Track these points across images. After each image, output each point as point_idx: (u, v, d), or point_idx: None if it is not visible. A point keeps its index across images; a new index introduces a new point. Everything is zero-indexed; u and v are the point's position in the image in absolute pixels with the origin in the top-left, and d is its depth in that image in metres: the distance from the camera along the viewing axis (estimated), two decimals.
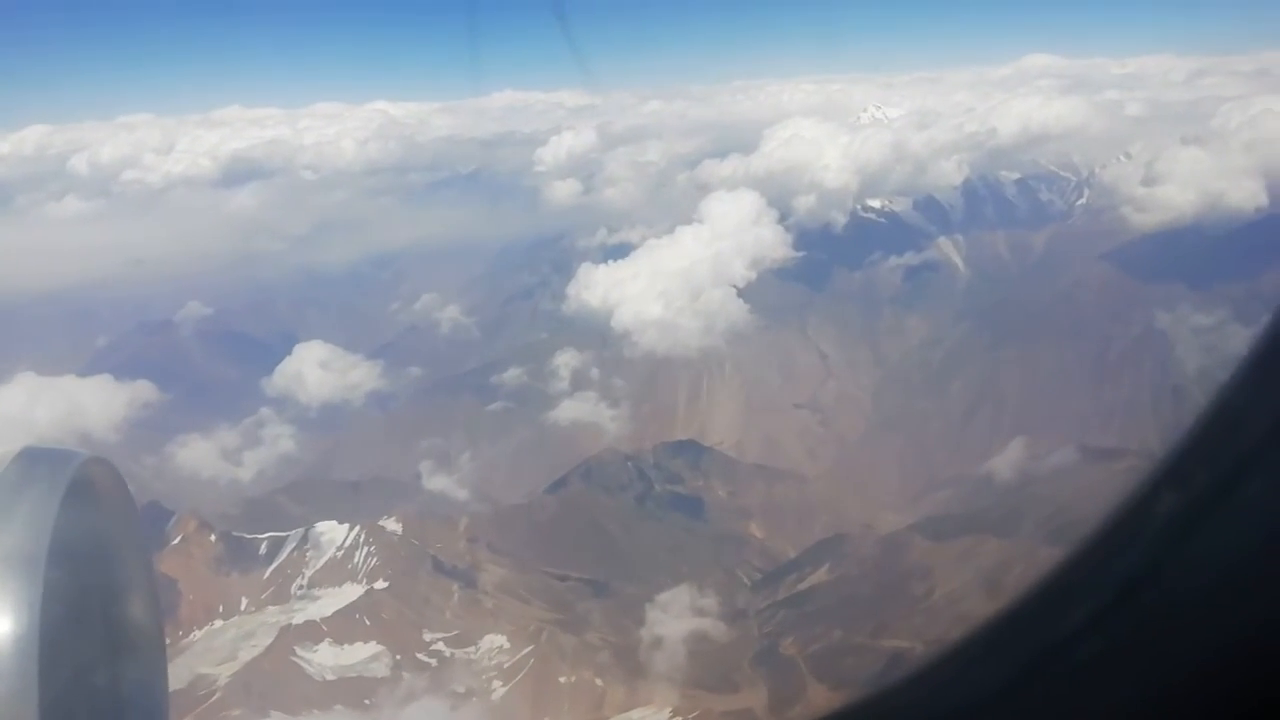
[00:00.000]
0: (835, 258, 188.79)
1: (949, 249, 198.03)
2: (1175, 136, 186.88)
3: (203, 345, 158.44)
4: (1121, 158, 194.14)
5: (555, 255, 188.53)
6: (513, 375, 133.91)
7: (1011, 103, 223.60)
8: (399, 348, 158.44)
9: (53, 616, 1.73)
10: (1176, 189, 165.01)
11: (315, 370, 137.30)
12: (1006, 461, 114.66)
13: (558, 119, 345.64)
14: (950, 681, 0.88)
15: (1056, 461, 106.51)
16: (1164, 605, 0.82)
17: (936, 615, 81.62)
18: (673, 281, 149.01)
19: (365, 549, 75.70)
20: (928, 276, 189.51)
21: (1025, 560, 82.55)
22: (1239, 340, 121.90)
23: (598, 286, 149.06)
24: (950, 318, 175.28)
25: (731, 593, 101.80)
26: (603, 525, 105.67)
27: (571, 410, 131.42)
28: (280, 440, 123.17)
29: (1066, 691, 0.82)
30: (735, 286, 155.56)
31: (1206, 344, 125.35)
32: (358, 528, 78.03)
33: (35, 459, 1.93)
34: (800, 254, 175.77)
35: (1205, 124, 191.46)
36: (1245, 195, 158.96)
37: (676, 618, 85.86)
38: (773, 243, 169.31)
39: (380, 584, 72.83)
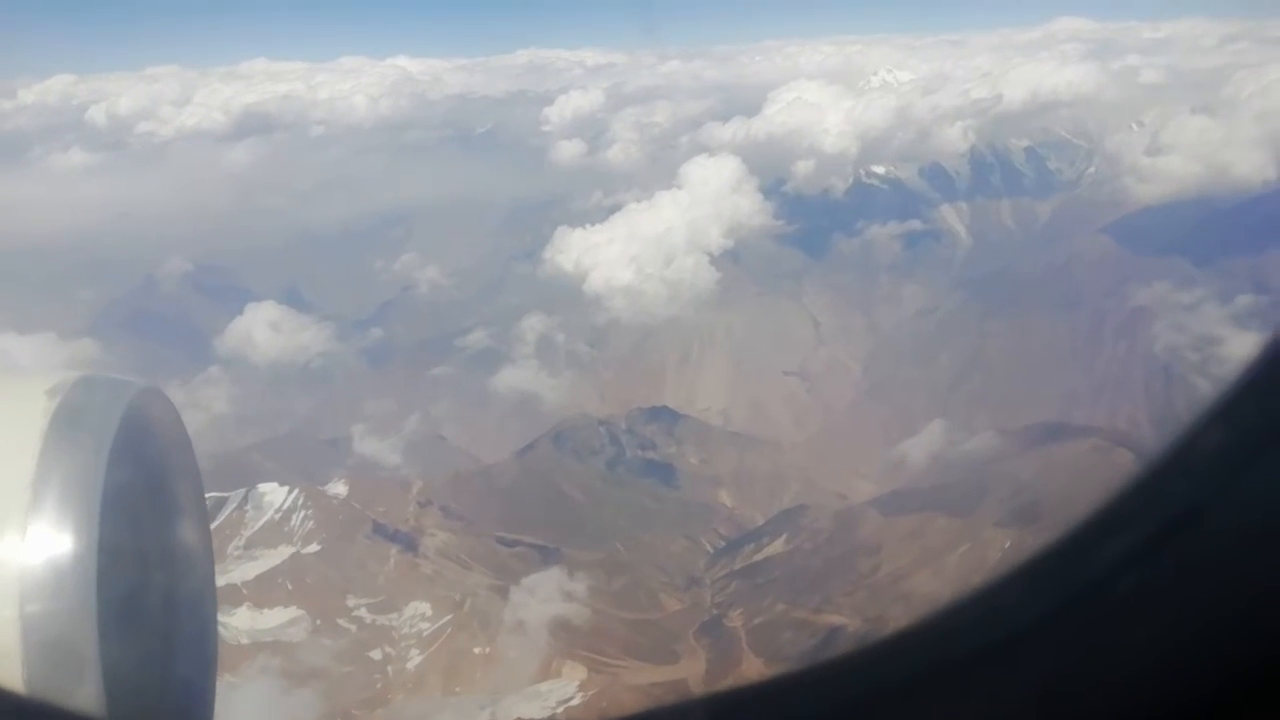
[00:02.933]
0: (835, 224, 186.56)
1: (952, 217, 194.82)
2: (1188, 105, 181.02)
3: (176, 302, 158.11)
4: (1133, 126, 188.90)
5: (553, 217, 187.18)
6: (476, 339, 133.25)
7: (1022, 68, 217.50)
8: (370, 308, 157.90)
9: (110, 538, 1.79)
10: (1181, 160, 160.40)
11: (265, 331, 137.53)
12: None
13: (573, 78, 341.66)
14: (990, 614, 0.87)
15: (1024, 439, 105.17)
16: (1209, 543, 0.81)
17: (879, 593, 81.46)
18: (647, 247, 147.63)
19: (303, 512, 76.53)
20: (929, 245, 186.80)
21: (968, 540, 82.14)
22: (1216, 320, 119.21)
23: (572, 251, 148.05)
24: (947, 287, 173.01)
25: (692, 560, 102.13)
26: (566, 491, 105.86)
27: (532, 376, 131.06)
28: (222, 400, 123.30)
29: (1104, 626, 0.81)
30: (709, 254, 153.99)
31: (1184, 323, 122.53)
32: (297, 490, 78.92)
33: (93, 386, 1.98)
34: (781, 221, 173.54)
35: (1220, 92, 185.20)
36: (1253, 167, 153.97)
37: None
38: (751, 211, 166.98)
39: (312, 547, 73.66)
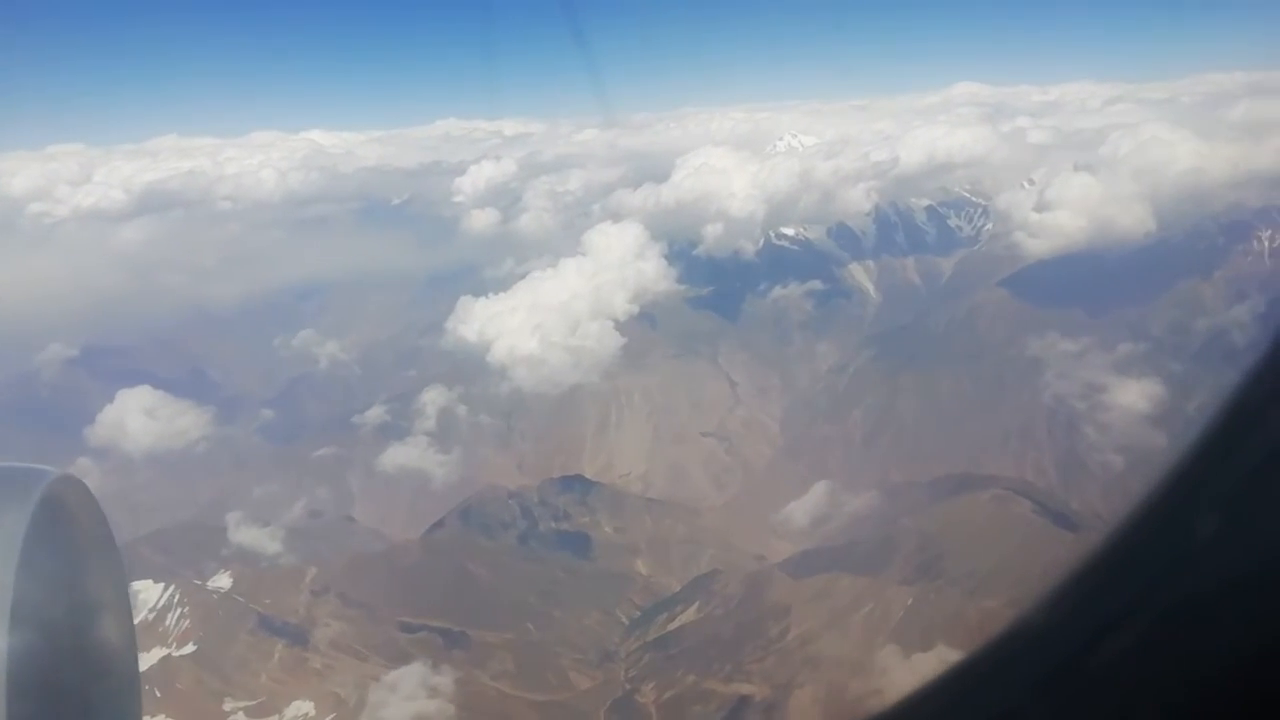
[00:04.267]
0: (747, 285, 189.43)
1: (861, 275, 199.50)
2: (1071, 163, 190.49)
3: (56, 390, 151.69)
4: (1025, 184, 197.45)
5: (465, 287, 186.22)
6: (375, 415, 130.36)
7: (918, 132, 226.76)
8: (271, 387, 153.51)
9: (22, 638, 1.67)
10: (1068, 215, 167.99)
11: (139, 418, 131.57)
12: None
13: (489, 148, 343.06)
14: (962, 699, 0.85)
15: (931, 491, 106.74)
16: (1178, 611, 0.80)
17: (787, 658, 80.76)
18: (550, 315, 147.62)
19: (178, 610, 72.43)
20: (839, 303, 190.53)
21: (872, 599, 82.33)
22: (1100, 368, 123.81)
23: (475, 321, 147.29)
24: (858, 343, 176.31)
25: (607, 634, 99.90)
26: (473, 570, 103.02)
27: (431, 452, 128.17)
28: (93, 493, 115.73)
29: (1080, 705, 0.79)
30: (614, 320, 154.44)
31: (1072, 372, 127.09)
32: (173, 586, 74.77)
33: (1, 478, 1.87)
34: (685, 286, 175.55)
35: (1099, 151, 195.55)
36: (1134, 221, 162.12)
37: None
38: (655, 276, 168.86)
39: (187, 648, 69.59)
